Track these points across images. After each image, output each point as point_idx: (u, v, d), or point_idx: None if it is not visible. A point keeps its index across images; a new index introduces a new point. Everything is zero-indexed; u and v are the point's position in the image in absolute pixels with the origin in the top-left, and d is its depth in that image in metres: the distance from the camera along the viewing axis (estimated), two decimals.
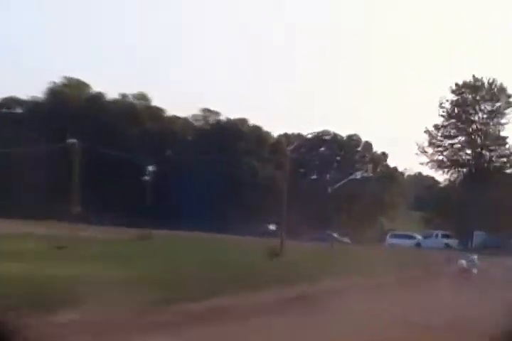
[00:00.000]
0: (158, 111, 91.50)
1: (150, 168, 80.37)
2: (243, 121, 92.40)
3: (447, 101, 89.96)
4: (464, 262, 34.23)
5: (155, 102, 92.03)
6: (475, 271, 33.66)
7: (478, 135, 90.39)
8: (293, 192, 58.26)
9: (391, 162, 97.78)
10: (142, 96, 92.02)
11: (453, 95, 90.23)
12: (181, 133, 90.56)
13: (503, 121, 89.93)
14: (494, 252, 55.89)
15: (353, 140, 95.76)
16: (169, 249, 36.47)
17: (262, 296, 20.30)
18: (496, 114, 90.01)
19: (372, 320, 15.81)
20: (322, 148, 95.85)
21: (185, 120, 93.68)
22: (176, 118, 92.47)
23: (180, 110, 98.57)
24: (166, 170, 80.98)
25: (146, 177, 78.20)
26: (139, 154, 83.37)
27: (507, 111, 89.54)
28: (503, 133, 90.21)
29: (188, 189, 77.13)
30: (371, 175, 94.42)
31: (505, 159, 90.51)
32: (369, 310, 17.42)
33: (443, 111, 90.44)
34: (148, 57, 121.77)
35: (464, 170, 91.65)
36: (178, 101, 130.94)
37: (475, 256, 36.29)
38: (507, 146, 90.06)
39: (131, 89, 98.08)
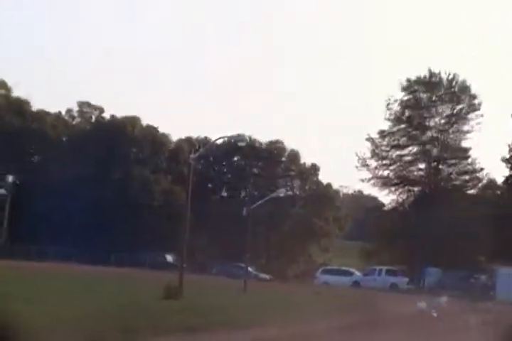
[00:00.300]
0: (21, 104, 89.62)
1: (8, 178, 78.97)
2: (134, 119, 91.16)
3: (396, 101, 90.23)
4: (423, 305, 34.91)
5: (17, 93, 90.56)
6: (434, 314, 34.34)
7: (434, 145, 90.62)
8: (197, 213, 57.73)
9: (324, 177, 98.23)
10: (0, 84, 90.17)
11: (403, 94, 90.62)
12: (52, 133, 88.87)
13: (464, 128, 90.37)
14: (453, 294, 56.49)
15: (276, 148, 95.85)
16: (12, 286, 35.60)
17: None
18: (457, 119, 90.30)
19: None
20: (235, 158, 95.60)
21: (57, 116, 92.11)
22: (44, 113, 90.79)
23: (51, 104, 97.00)
24: (30, 181, 79.52)
25: (2, 191, 76.74)
26: None
27: (470, 115, 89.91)
28: (464, 144, 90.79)
29: (60, 207, 75.60)
30: (298, 193, 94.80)
31: (467, 176, 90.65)
32: None
33: (390, 114, 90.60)
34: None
35: (416, 189, 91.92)
36: (48, 92, 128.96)
37: (443, 299, 37.06)
38: (469, 160, 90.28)
39: None
